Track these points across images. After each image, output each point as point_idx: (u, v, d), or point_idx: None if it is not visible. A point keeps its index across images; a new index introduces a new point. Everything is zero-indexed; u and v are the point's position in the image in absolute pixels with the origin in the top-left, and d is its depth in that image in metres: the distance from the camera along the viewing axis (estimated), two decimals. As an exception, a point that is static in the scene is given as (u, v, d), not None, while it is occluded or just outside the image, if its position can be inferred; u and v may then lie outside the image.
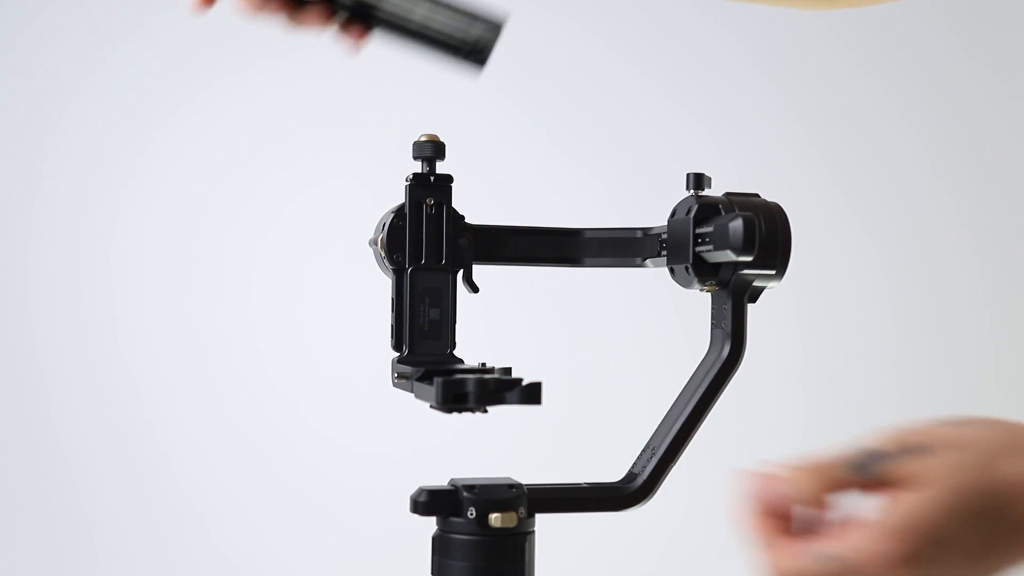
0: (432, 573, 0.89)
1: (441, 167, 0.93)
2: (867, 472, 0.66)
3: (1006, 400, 2.18)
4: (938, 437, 0.65)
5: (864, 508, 0.66)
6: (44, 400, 2.00)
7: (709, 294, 0.95)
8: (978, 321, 2.15)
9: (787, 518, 0.69)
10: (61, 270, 2.00)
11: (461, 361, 0.93)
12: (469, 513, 0.87)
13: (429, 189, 0.92)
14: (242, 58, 2.02)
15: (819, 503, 0.66)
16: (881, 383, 2.15)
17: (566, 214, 1.79)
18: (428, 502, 0.88)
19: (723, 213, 0.91)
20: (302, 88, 2.02)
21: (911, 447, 0.65)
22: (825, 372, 2.14)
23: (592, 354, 2.07)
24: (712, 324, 0.95)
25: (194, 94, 2.01)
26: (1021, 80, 2.20)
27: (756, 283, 0.93)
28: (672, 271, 0.95)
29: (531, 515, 0.89)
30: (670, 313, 2.00)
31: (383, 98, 2.02)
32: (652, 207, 1.07)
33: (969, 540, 0.64)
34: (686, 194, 0.94)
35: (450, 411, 0.81)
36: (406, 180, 0.93)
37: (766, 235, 0.90)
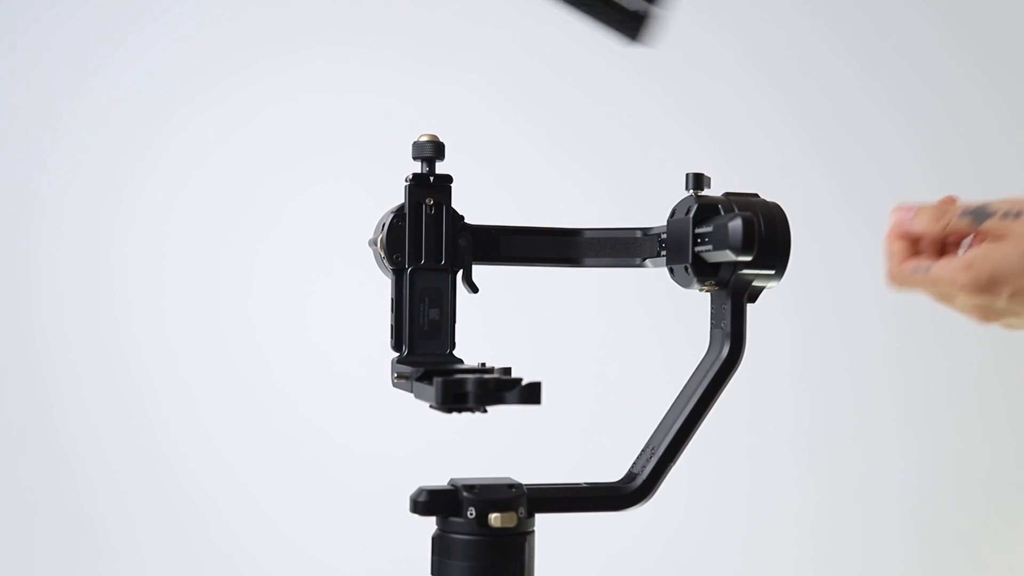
0: (432, 573, 0.89)
1: (441, 167, 0.93)
2: (976, 221, 0.91)
3: (1005, 398, 2.18)
4: None
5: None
6: (45, 399, 2.00)
7: (708, 294, 0.95)
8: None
9: (915, 243, 0.95)
10: (62, 270, 2.00)
11: (461, 361, 0.93)
12: (469, 513, 0.87)
13: (429, 189, 0.92)
14: (242, 59, 2.02)
15: (937, 233, 0.92)
16: (881, 382, 2.15)
17: (566, 214, 1.79)
18: (428, 502, 0.88)
19: (722, 213, 0.91)
20: (302, 89, 2.02)
21: (1012, 211, 0.90)
22: (824, 372, 2.14)
23: (592, 354, 2.07)
24: (711, 324, 0.95)
25: (195, 95, 2.01)
26: (1019, 81, 2.20)
27: (755, 283, 0.93)
28: (671, 271, 0.95)
29: (531, 515, 0.89)
30: (669, 313, 2.00)
31: (383, 98, 2.03)
32: (652, 207, 1.07)
33: (1020, 282, 0.89)
34: (685, 194, 0.94)
35: (450, 411, 0.81)
36: (406, 180, 0.93)
37: (765, 235, 0.90)
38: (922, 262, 0.93)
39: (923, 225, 0.91)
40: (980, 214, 0.90)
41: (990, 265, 0.89)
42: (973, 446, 2.16)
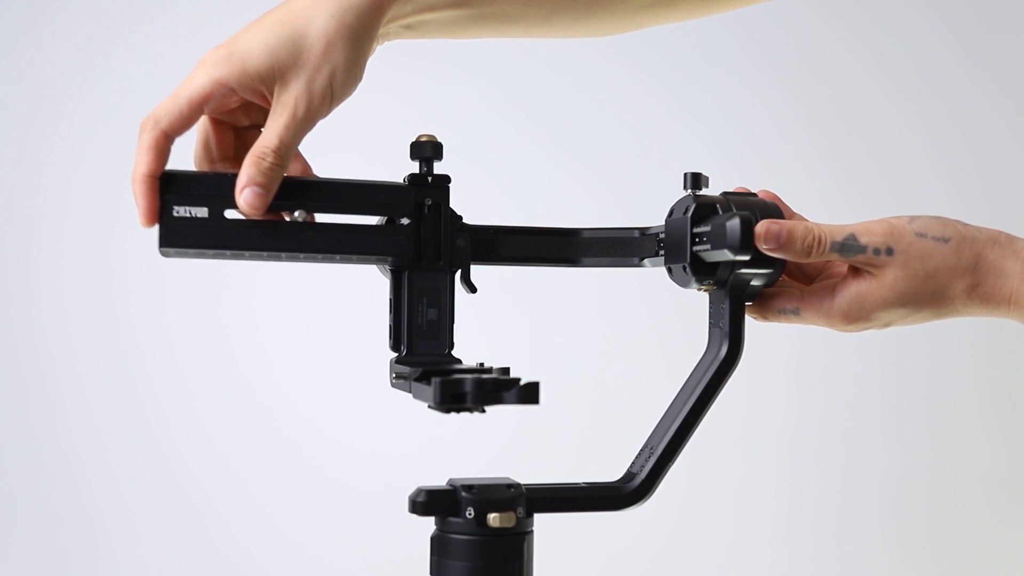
0: (431, 573, 0.89)
1: (439, 167, 0.93)
2: (845, 254, 0.89)
3: (1000, 398, 2.18)
4: (906, 244, 0.88)
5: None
6: (46, 399, 2.00)
7: (707, 293, 0.95)
8: (970, 322, 2.15)
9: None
10: (63, 270, 2.00)
11: (459, 361, 0.93)
12: (467, 513, 0.87)
13: (427, 189, 0.92)
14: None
15: (805, 264, 0.92)
16: (878, 382, 2.15)
17: (564, 214, 1.79)
18: (426, 502, 0.88)
19: (720, 212, 0.91)
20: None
21: (883, 247, 0.88)
22: (822, 371, 2.14)
23: (590, 354, 2.07)
24: (710, 323, 0.95)
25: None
26: (1018, 81, 2.20)
27: (753, 282, 0.93)
28: (670, 271, 0.95)
29: (529, 515, 0.89)
30: (668, 313, 2.00)
31: (381, 98, 2.03)
32: (650, 207, 1.07)
33: (898, 316, 0.90)
34: (684, 193, 0.94)
35: (448, 411, 0.81)
36: (403, 180, 0.93)
37: (764, 234, 0.90)
38: (787, 304, 0.93)
39: (793, 257, 0.89)
40: (849, 248, 0.89)
41: (867, 308, 0.90)
42: (975, 446, 2.16)
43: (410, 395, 0.89)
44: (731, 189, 0.96)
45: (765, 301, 0.95)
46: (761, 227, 0.88)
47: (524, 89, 2.08)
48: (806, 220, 0.95)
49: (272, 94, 0.83)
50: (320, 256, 0.88)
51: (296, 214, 0.87)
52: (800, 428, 2.13)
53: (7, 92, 2.00)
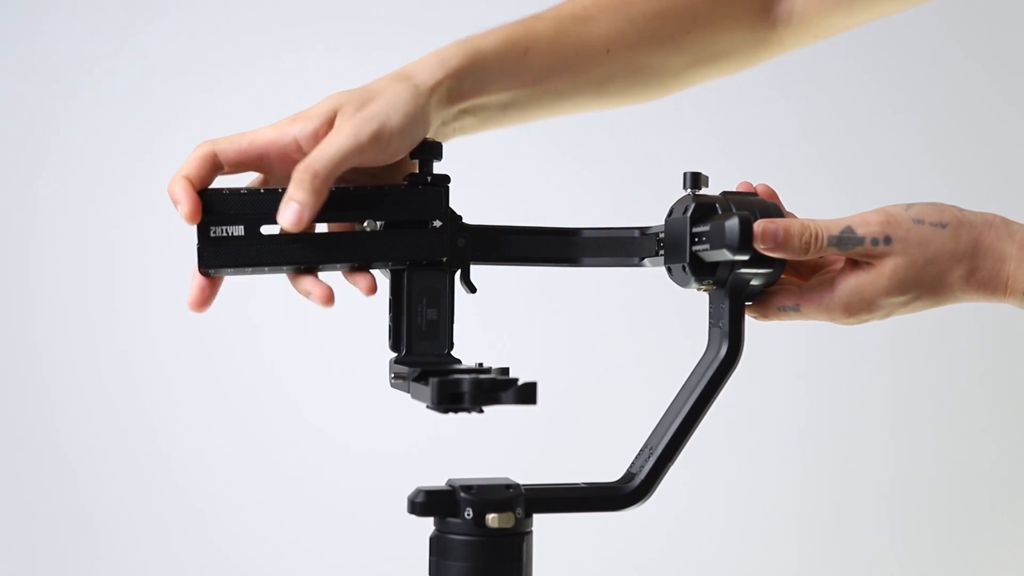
0: (430, 574, 0.89)
1: (438, 167, 0.93)
2: (844, 248, 0.89)
3: (999, 398, 2.18)
4: (903, 231, 0.88)
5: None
6: (46, 398, 2.00)
7: (706, 293, 0.95)
8: (975, 319, 2.15)
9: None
10: (63, 269, 2.00)
11: (459, 361, 0.93)
12: (466, 514, 0.87)
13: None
14: (242, 59, 2.02)
15: (800, 253, 0.89)
16: (879, 381, 2.15)
17: (564, 214, 1.79)
18: (425, 503, 0.87)
19: (720, 212, 0.91)
20: (302, 89, 2.02)
21: (880, 236, 0.88)
22: (822, 371, 2.14)
23: (590, 354, 2.07)
24: (710, 323, 0.95)
25: (195, 95, 2.01)
26: (1018, 81, 2.20)
27: (753, 282, 0.93)
28: (670, 270, 0.95)
29: (529, 515, 0.89)
30: (668, 312, 2.00)
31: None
32: (650, 206, 1.07)
33: (898, 304, 0.90)
34: (683, 193, 0.94)
35: (446, 411, 0.81)
36: (403, 181, 0.93)
37: (763, 234, 0.90)
38: (786, 301, 0.93)
39: (792, 255, 0.89)
40: (847, 241, 0.89)
41: (867, 299, 0.90)
42: (982, 442, 2.16)
43: (409, 395, 0.89)
44: (731, 188, 0.96)
45: (764, 300, 0.95)
46: (758, 227, 0.88)
47: (524, 89, 2.08)
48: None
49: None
50: (357, 264, 0.89)
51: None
52: (804, 428, 2.12)
53: (7, 92, 2.00)
